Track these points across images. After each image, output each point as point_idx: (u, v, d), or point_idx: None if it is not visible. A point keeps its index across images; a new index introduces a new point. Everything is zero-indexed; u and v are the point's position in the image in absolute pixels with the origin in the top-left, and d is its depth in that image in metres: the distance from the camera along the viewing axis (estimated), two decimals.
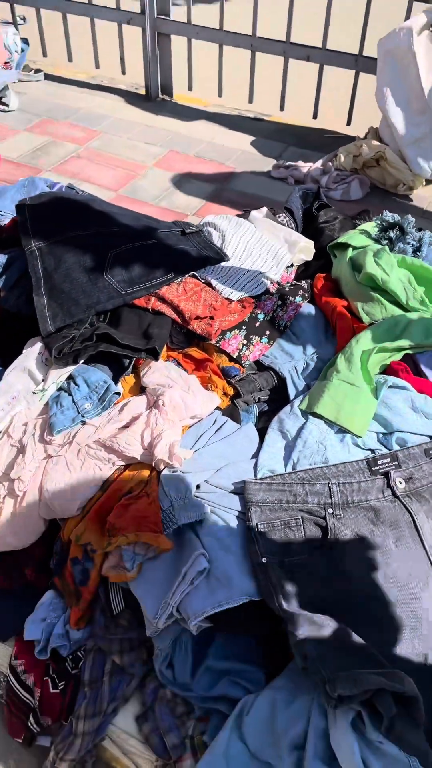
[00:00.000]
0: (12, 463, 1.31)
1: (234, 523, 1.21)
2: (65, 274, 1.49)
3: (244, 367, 1.45)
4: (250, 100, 3.21)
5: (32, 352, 1.45)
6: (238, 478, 1.25)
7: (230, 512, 1.22)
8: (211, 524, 1.21)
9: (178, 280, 1.51)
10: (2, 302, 1.62)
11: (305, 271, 1.74)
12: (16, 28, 3.52)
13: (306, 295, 1.61)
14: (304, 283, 1.64)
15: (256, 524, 1.18)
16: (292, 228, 1.78)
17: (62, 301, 1.47)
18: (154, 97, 3.39)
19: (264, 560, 1.15)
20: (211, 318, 1.45)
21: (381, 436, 1.32)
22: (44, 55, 3.62)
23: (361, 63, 2.85)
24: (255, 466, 1.28)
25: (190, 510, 1.20)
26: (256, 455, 1.31)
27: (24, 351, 1.49)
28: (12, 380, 1.42)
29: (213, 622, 1.15)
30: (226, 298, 1.51)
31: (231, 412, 1.39)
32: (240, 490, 1.24)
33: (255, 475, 1.27)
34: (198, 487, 1.26)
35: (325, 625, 1.09)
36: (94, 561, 1.25)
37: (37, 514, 1.30)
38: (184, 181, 2.74)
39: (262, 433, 1.37)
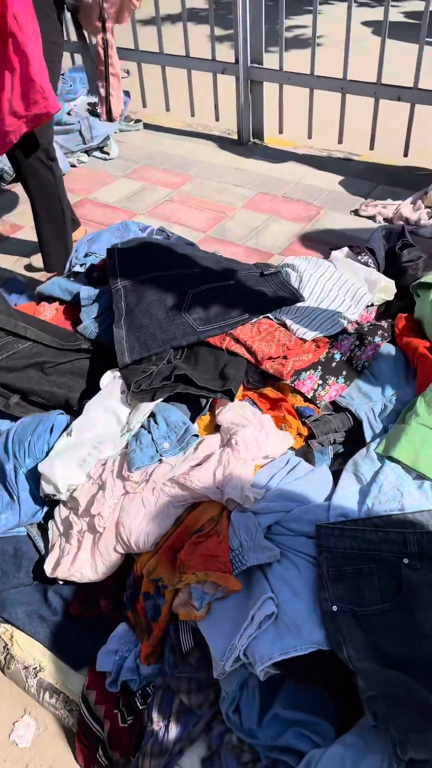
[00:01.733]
0: (92, 500, 1.36)
1: (304, 567, 1.18)
2: (145, 310, 1.56)
3: (319, 408, 1.44)
4: (340, 141, 3.24)
5: (114, 391, 1.50)
6: (310, 522, 1.24)
7: (301, 556, 1.20)
8: (281, 567, 1.19)
9: (253, 320, 1.53)
10: (83, 329, 1.70)
11: (386, 311, 1.71)
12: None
13: (386, 335, 1.58)
14: (384, 323, 1.61)
15: (327, 570, 1.16)
16: (373, 267, 1.76)
17: (140, 335, 1.53)
18: (246, 142, 3.49)
19: (334, 608, 1.12)
20: (284, 358, 1.45)
21: None
22: (144, 105, 3.84)
23: None
24: (328, 510, 1.25)
25: (260, 551, 1.19)
26: (329, 498, 1.29)
27: (103, 386, 1.54)
28: (95, 418, 1.48)
29: (281, 668, 1.13)
30: (300, 338, 1.51)
31: (305, 453, 1.38)
32: (312, 533, 1.22)
33: (328, 519, 1.24)
34: (269, 528, 1.25)
35: (396, 683, 1.04)
36: (165, 597, 1.26)
37: (113, 549, 1.34)
38: (272, 222, 2.78)
39: (336, 475, 1.34)
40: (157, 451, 1.40)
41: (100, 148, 3.47)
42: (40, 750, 1.36)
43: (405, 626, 1.11)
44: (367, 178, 3.07)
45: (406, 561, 1.14)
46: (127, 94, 3.72)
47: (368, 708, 1.04)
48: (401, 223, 2.54)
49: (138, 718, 1.28)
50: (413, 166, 3.10)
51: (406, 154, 3.08)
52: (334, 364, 1.50)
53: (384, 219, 2.71)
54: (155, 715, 1.25)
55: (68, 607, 1.44)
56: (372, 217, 2.73)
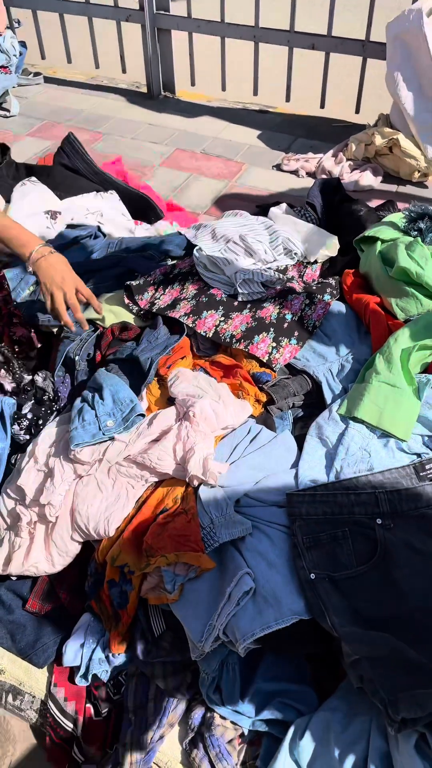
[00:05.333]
0: (41, 488, 1.26)
1: (278, 537, 1.15)
2: None
3: (275, 372, 1.39)
4: (255, 93, 3.15)
5: None
6: (279, 491, 1.20)
7: (273, 527, 1.16)
8: (254, 540, 1.15)
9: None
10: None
11: (331, 267, 1.67)
12: (13, 32, 3.46)
13: (335, 292, 1.54)
14: (332, 281, 1.58)
15: (302, 538, 1.13)
16: (314, 223, 1.71)
17: None
18: (157, 95, 3.33)
19: (312, 576, 1.10)
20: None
21: (426, 438, 1.25)
22: (43, 57, 3.56)
23: (368, 49, 2.77)
24: (296, 477, 1.22)
25: (232, 526, 1.14)
26: (295, 465, 1.25)
27: None
28: None
29: (260, 642, 1.10)
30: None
31: (264, 420, 1.34)
32: (282, 502, 1.18)
33: (297, 487, 1.21)
34: (237, 501, 1.20)
35: (380, 643, 1.04)
36: (132, 583, 1.20)
37: (69, 538, 1.25)
38: (193, 179, 2.68)
39: (298, 440, 1.31)
40: (99, 429, 1.31)
41: None
42: (9, 755, 1.28)
43: (383, 586, 1.10)
44: (285, 131, 3.00)
45: (379, 521, 1.13)
46: (23, 44, 3.43)
47: (353, 671, 1.03)
48: (329, 176, 2.50)
49: (113, 710, 1.23)
50: (330, 117, 3.07)
51: (322, 106, 3.04)
52: (285, 325, 1.45)
53: (307, 173, 2.67)
54: (131, 704, 1.20)
55: (24, 603, 1.35)
56: (295, 172, 2.68)
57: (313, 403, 1.38)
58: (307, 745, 1.05)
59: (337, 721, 1.07)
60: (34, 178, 2.02)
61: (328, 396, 1.35)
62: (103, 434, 1.29)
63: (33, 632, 1.32)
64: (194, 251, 1.62)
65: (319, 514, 1.15)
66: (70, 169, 2.09)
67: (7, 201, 1.95)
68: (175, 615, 1.15)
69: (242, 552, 1.14)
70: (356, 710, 1.07)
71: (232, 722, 1.15)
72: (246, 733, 1.14)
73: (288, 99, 3.10)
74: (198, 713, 1.18)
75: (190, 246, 1.71)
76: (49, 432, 1.35)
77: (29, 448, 1.34)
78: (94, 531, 1.22)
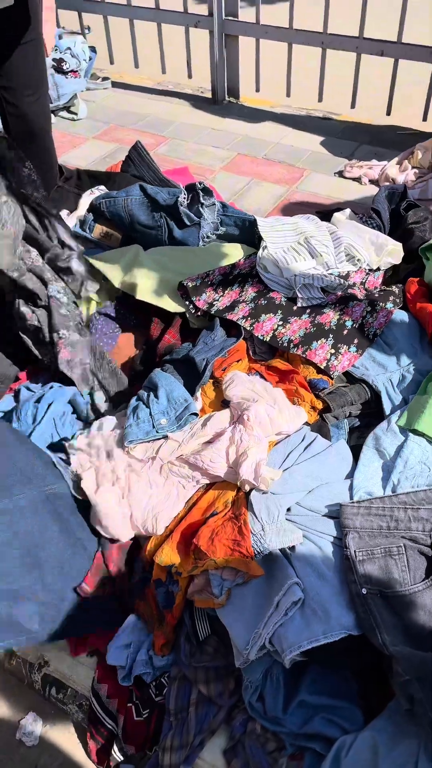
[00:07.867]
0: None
1: (329, 549, 1.12)
2: None
3: (332, 379, 1.36)
4: (320, 99, 3.12)
5: None
6: (333, 501, 1.17)
7: (325, 537, 1.14)
8: (305, 550, 1.13)
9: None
10: None
11: (394, 275, 1.64)
12: (84, 37, 3.54)
13: (398, 301, 1.50)
14: (395, 288, 1.54)
15: (355, 551, 1.10)
16: (378, 230, 1.68)
17: None
18: (221, 100, 3.34)
19: (364, 591, 1.07)
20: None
21: None
22: (111, 62, 3.63)
23: None
24: (351, 488, 1.19)
25: (282, 534, 1.12)
26: (350, 475, 1.22)
27: None
28: None
29: (306, 654, 1.07)
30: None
31: (319, 428, 1.31)
32: (335, 513, 1.16)
33: (351, 498, 1.18)
34: (289, 509, 1.18)
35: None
36: (178, 584, 1.19)
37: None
38: (254, 184, 2.67)
39: (354, 450, 1.28)
40: (153, 427, 1.31)
41: (67, 108, 3.27)
42: (49, 747, 1.29)
43: None
44: (349, 138, 2.97)
45: None
46: (93, 50, 3.50)
47: (403, 692, 0.99)
48: (393, 184, 2.46)
49: (154, 712, 1.22)
50: (396, 125, 3.01)
51: (388, 113, 2.99)
52: (345, 332, 1.42)
53: (369, 180, 2.63)
54: (173, 707, 1.19)
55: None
56: (357, 179, 2.65)
57: (371, 413, 1.35)
58: (352, 765, 1.02)
59: (383, 743, 1.03)
60: (102, 187, 2.06)
61: (387, 407, 1.31)
62: (156, 432, 1.30)
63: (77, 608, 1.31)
64: (259, 251, 1.61)
65: (374, 527, 1.12)
66: (137, 177, 2.13)
67: (72, 211, 2.00)
68: (221, 620, 1.14)
69: (291, 561, 1.12)
70: (404, 732, 1.03)
71: (273, 733, 1.13)
72: (288, 746, 1.12)
73: (353, 106, 3.06)
74: (240, 721, 1.16)
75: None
76: (109, 425, 1.37)
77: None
78: (143, 527, 1.22)
